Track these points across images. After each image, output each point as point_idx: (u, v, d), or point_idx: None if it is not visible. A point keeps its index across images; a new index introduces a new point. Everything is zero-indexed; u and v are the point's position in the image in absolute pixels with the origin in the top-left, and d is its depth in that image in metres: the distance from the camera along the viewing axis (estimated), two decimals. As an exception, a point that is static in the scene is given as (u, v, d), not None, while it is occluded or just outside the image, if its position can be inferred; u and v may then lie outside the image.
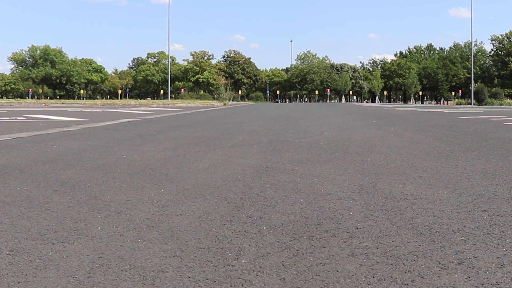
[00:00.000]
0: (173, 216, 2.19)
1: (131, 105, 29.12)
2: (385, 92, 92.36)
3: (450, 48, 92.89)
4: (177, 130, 7.51)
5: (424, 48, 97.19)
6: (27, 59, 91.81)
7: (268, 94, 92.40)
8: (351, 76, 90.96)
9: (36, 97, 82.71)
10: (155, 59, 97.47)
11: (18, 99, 50.11)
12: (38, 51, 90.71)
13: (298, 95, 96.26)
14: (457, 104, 55.65)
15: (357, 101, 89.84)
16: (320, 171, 3.44)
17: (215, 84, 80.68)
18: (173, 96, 74.71)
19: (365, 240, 1.83)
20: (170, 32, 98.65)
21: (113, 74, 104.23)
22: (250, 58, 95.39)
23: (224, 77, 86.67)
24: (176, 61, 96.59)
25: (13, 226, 2.03)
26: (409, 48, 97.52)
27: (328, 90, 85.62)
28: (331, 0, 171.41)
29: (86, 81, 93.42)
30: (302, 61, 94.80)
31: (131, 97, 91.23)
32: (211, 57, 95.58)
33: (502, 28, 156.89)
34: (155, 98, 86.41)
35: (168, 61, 76.50)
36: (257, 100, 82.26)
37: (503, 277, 1.47)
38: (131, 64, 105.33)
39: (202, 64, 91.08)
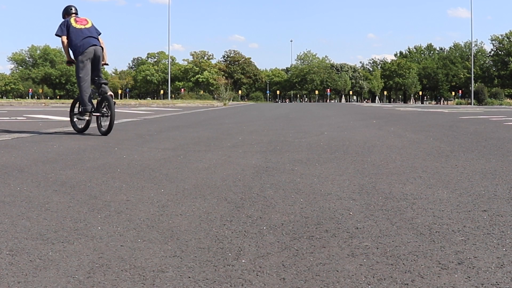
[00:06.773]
0: (173, 216, 2.19)
1: (131, 105, 29.10)
2: (385, 92, 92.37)
3: (450, 48, 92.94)
4: (177, 130, 7.51)
5: (424, 48, 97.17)
6: (27, 59, 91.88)
7: (268, 94, 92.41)
8: (351, 76, 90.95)
9: (36, 97, 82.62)
10: (155, 59, 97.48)
11: (18, 99, 50.04)
12: (38, 51, 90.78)
13: (298, 95, 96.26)
14: (457, 104, 55.63)
15: (357, 101, 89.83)
16: (320, 171, 3.44)
17: (215, 84, 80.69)
18: (173, 96, 74.69)
19: (365, 240, 1.83)
20: (170, 32, 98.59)
21: (113, 74, 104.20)
22: (250, 58, 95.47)
23: (224, 77, 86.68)
24: (176, 61, 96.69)
25: (13, 226, 2.03)
26: (409, 48, 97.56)
27: (328, 90, 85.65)
28: (331, 0, 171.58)
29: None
30: (302, 61, 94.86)
31: (131, 97, 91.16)
32: (211, 57, 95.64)
33: (501, 28, 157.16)
34: (155, 98, 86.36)
35: (168, 61, 76.46)
36: (257, 100, 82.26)
37: (503, 277, 1.47)
38: (131, 64, 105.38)
39: (202, 64, 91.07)
